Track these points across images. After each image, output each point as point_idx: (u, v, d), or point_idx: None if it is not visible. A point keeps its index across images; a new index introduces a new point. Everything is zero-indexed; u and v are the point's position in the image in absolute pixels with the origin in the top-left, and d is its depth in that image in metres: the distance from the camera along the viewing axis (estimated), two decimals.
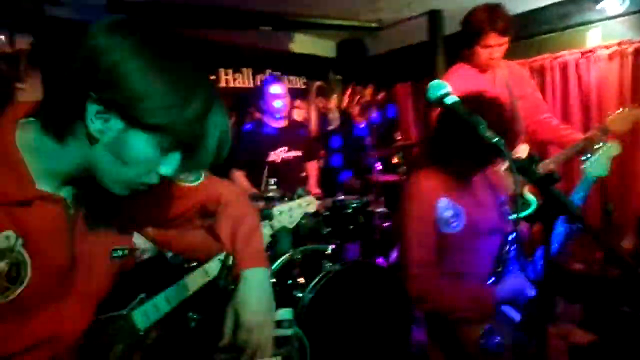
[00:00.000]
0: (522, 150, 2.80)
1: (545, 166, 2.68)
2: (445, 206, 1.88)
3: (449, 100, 1.14)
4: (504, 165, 2.43)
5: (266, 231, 1.72)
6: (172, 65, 0.82)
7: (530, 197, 1.98)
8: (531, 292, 1.82)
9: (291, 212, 1.86)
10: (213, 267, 1.45)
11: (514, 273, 1.89)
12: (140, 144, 0.82)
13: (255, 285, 1.21)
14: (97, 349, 1.15)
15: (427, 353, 2.02)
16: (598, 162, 1.95)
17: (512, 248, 1.94)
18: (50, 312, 0.95)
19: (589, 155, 2.02)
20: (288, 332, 1.26)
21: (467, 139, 1.47)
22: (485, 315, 1.79)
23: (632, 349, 2.68)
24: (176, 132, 0.83)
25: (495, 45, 2.64)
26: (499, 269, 1.93)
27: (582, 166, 1.99)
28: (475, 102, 1.60)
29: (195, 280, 1.42)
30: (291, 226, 1.87)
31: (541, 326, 1.08)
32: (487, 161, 1.83)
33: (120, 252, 1.09)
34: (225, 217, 1.31)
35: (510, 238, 1.95)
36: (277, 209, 1.82)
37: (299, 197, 1.92)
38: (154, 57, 0.81)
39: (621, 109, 2.51)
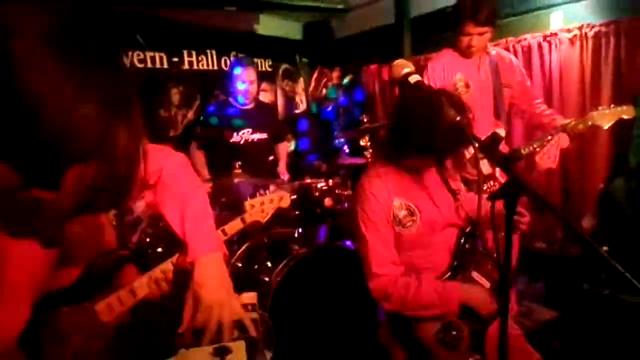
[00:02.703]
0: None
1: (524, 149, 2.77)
2: (399, 206, 1.88)
3: (413, 78, 1.13)
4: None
5: (236, 225, 1.68)
6: (74, 63, 0.60)
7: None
8: (494, 306, 1.82)
9: (263, 207, 1.82)
10: None
11: (481, 286, 1.91)
12: None
13: (212, 267, 1.19)
14: (55, 340, 1.11)
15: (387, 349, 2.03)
16: (548, 155, 1.97)
17: (468, 242, 1.97)
18: None
19: (538, 149, 2.04)
20: (253, 315, 1.23)
21: (430, 118, 1.46)
22: (450, 311, 1.80)
23: (592, 325, 2.77)
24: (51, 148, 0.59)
25: (474, 34, 2.76)
26: (456, 263, 1.95)
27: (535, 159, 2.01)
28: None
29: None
30: (263, 220, 1.83)
31: (502, 314, 1.09)
32: (447, 146, 1.81)
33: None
34: (169, 196, 1.26)
35: (466, 231, 1.97)
36: (249, 203, 1.78)
37: (271, 191, 1.89)
38: (57, 52, 0.59)
39: (605, 106, 2.59)
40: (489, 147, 1.00)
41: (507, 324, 1.08)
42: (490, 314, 1.81)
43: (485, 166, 2.75)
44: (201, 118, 3.75)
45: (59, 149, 0.57)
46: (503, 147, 2.85)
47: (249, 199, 1.80)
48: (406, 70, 1.14)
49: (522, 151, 2.65)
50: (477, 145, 0.98)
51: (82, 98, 0.58)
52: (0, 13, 0.57)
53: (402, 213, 1.88)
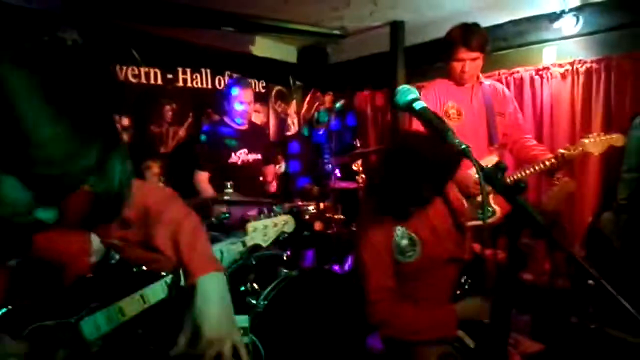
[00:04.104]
0: (490, 161, 2.88)
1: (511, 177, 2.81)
2: (401, 235, 1.86)
3: (418, 105, 1.12)
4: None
5: (238, 248, 1.61)
6: (71, 111, 0.68)
7: (494, 206, 2.00)
8: (487, 316, 1.82)
9: (266, 230, 1.75)
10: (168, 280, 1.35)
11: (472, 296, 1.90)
12: (15, 189, 0.66)
13: (213, 296, 1.16)
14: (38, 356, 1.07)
15: None
16: (555, 197, 1.99)
17: (469, 275, 1.95)
18: None
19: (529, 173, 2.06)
20: (244, 339, 1.20)
21: (434, 147, 1.46)
22: (447, 337, 1.78)
23: (579, 358, 2.75)
24: (58, 184, 0.69)
25: (467, 59, 2.86)
26: (458, 295, 1.94)
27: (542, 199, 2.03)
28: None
29: (156, 292, 1.29)
30: (265, 244, 1.75)
31: (501, 339, 1.07)
32: (448, 175, 1.82)
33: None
34: (160, 226, 1.23)
35: (468, 264, 1.96)
36: (251, 225, 1.71)
37: (276, 214, 1.82)
38: (53, 103, 0.66)
39: (596, 134, 2.72)
40: (494, 176, 0.99)
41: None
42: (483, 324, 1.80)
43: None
44: (201, 138, 3.72)
45: (63, 182, 0.68)
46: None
47: (252, 220, 1.73)
48: (412, 96, 1.13)
49: (514, 177, 2.69)
50: (482, 174, 0.97)
51: (82, 140, 0.68)
52: None
53: (404, 242, 1.85)
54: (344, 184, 3.93)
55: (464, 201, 2.10)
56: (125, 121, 4.07)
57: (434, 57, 4.10)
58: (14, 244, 0.94)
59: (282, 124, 5.60)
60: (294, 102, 5.75)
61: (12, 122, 0.62)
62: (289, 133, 5.67)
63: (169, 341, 1.17)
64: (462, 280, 1.94)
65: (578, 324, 2.92)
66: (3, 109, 0.62)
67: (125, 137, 4.08)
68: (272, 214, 1.79)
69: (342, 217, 3.65)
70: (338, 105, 5.46)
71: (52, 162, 0.65)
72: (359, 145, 3.86)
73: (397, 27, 4.54)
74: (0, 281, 1.00)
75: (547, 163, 2.70)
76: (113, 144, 0.75)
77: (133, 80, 4.08)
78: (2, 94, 0.62)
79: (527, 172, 2.79)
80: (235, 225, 2.97)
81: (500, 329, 1.09)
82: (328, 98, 5.62)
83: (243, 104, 3.65)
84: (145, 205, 1.24)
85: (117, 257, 1.36)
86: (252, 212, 3.03)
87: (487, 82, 3.08)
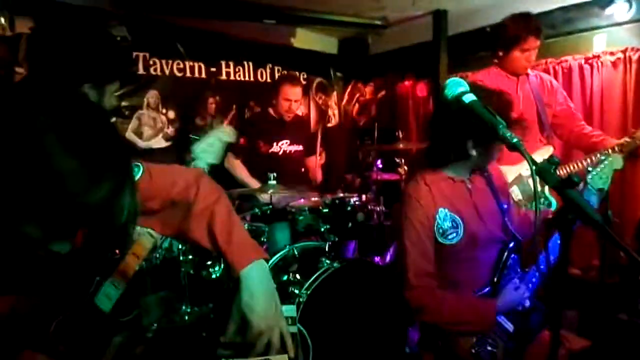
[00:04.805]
0: (545, 152, 2.84)
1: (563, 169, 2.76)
2: (444, 217, 1.85)
3: (467, 98, 1.11)
4: (511, 172, 2.43)
5: (202, 164, 1.58)
6: (83, 147, 0.69)
7: (551, 197, 1.95)
8: (527, 302, 1.82)
9: (212, 147, 1.73)
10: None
11: (513, 283, 1.87)
12: (30, 227, 0.67)
13: (258, 288, 1.17)
14: (87, 346, 1.11)
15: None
16: (600, 175, 1.93)
17: (510, 258, 1.93)
18: None
19: (591, 169, 2.01)
20: (292, 329, 1.23)
21: (484, 139, 1.45)
22: (485, 328, 1.77)
23: (626, 356, 2.67)
24: (71, 217, 0.69)
25: (532, 49, 2.86)
26: (496, 279, 1.91)
27: (587, 178, 1.97)
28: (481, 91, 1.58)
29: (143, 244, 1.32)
30: (217, 161, 1.71)
31: (554, 332, 1.06)
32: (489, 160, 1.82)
33: None
34: (193, 219, 1.22)
35: (509, 247, 1.93)
36: (198, 148, 1.69)
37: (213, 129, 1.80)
38: (67, 139, 0.68)
39: None
40: (546, 169, 0.98)
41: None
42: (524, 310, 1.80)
43: (515, 192, 2.73)
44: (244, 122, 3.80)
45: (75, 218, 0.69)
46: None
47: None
48: (461, 89, 1.13)
49: (570, 168, 2.63)
50: (534, 167, 0.96)
51: (94, 175, 0.69)
52: None
53: (446, 224, 1.84)
54: (386, 176, 3.92)
55: (507, 181, 2.08)
56: (171, 114, 4.18)
57: (477, 46, 4.03)
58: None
59: (323, 115, 5.61)
60: (334, 94, 5.75)
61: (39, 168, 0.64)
62: (329, 124, 5.68)
63: (219, 328, 1.20)
64: (501, 265, 1.92)
65: (627, 321, 2.84)
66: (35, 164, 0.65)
67: (170, 129, 4.19)
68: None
69: (384, 208, 3.64)
70: (380, 95, 5.46)
71: (64, 198, 0.66)
72: (401, 136, 3.83)
73: (440, 16, 4.46)
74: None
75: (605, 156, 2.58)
76: (124, 178, 0.76)
77: (178, 74, 4.18)
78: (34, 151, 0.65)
79: (582, 164, 2.74)
80: (278, 216, 3.02)
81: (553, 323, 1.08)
82: (369, 89, 5.60)
83: (289, 101, 3.69)
84: (169, 197, 1.22)
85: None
86: (294, 202, 3.07)
87: (532, 72, 3.02)
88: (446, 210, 1.85)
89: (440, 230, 1.84)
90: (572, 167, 2.83)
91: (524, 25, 2.82)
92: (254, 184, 3.57)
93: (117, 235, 0.81)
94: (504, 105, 1.69)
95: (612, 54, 3.60)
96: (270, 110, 3.83)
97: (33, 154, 0.64)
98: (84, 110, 0.74)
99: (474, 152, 1.76)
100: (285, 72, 4.93)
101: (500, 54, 2.96)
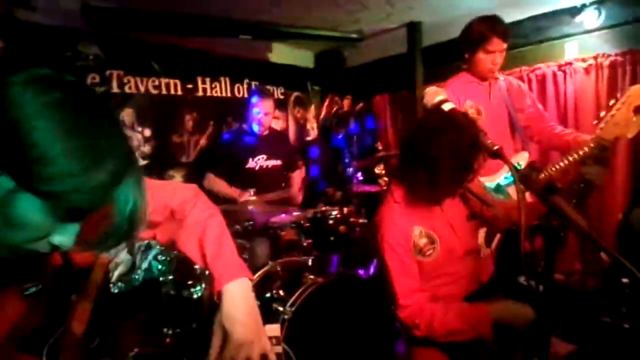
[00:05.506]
0: (520, 158, 2.83)
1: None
2: (419, 234, 1.86)
3: (447, 106, 1.11)
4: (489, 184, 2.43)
5: None
6: (84, 130, 0.70)
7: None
8: (532, 316, 1.76)
9: None
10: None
11: (512, 298, 1.87)
12: (31, 208, 0.68)
13: (240, 301, 1.16)
14: None
15: None
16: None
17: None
18: None
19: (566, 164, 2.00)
20: (277, 348, 1.20)
21: (463, 148, 1.44)
22: (484, 332, 1.76)
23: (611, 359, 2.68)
24: (74, 201, 0.69)
25: (497, 51, 2.79)
26: (475, 289, 1.92)
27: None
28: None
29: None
30: None
31: (544, 339, 1.05)
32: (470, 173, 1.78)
33: (33, 289, 1.01)
34: (184, 230, 1.24)
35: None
36: None
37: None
38: (65, 120, 0.68)
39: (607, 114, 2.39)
40: (528, 176, 0.97)
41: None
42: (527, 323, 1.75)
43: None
44: (220, 144, 3.76)
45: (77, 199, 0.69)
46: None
47: None
48: (440, 97, 1.12)
49: (549, 171, 2.59)
50: (516, 174, 0.95)
51: (94, 156, 0.69)
52: None
53: (423, 241, 1.85)
54: (366, 188, 3.91)
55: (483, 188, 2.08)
56: (147, 132, 4.12)
57: (452, 57, 4.06)
58: (29, 270, 0.96)
59: (301, 129, 5.61)
60: (312, 107, 5.76)
61: (22, 140, 0.64)
62: (308, 138, 5.68)
63: (203, 348, 1.17)
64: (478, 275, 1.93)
65: (611, 324, 2.85)
66: (12, 128, 0.64)
67: (147, 147, 4.12)
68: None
69: (365, 221, 3.63)
70: (357, 108, 5.48)
71: (63, 177, 0.66)
72: (380, 148, 3.83)
73: (414, 28, 4.52)
74: (15, 305, 1.01)
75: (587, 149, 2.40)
76: (127, 163, 0.75)
77: (154, 91, 4.13)
78: (12, 114, 0.65)
79: (559, 165, 2.67)
80: (260, 232, 2.98)
81: (542, 332, 1.07)
82: (346, 102, 5.62)
83: (261, 113, 3.66)
84: (170, 208, 1.25)
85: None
86: (276, 218, 3.04)
87: (501, 77, 3.01)
88: (420, 227, 1.86)
89: (418, 248, 1.84)
90: (550, 171, 2.80)
91: (488, 26, 2.77)
92: (234, 193, 3.52)
93: (123, 227, 0.79)
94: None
95: (584, 60, 3.68)
96: (244, 126, 3.80)
97: (21, 128, 0.65)
98: (87, 94, 0.74)
99: None
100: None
101: (467, 56, 2.92)
